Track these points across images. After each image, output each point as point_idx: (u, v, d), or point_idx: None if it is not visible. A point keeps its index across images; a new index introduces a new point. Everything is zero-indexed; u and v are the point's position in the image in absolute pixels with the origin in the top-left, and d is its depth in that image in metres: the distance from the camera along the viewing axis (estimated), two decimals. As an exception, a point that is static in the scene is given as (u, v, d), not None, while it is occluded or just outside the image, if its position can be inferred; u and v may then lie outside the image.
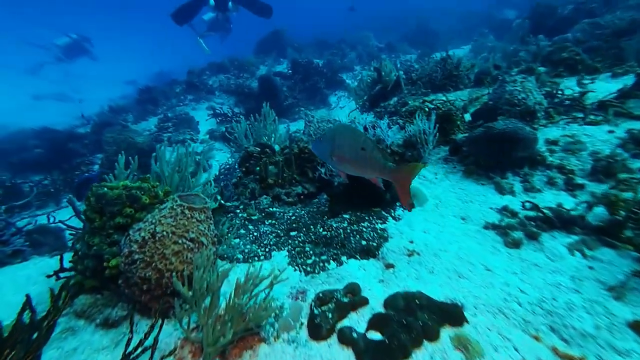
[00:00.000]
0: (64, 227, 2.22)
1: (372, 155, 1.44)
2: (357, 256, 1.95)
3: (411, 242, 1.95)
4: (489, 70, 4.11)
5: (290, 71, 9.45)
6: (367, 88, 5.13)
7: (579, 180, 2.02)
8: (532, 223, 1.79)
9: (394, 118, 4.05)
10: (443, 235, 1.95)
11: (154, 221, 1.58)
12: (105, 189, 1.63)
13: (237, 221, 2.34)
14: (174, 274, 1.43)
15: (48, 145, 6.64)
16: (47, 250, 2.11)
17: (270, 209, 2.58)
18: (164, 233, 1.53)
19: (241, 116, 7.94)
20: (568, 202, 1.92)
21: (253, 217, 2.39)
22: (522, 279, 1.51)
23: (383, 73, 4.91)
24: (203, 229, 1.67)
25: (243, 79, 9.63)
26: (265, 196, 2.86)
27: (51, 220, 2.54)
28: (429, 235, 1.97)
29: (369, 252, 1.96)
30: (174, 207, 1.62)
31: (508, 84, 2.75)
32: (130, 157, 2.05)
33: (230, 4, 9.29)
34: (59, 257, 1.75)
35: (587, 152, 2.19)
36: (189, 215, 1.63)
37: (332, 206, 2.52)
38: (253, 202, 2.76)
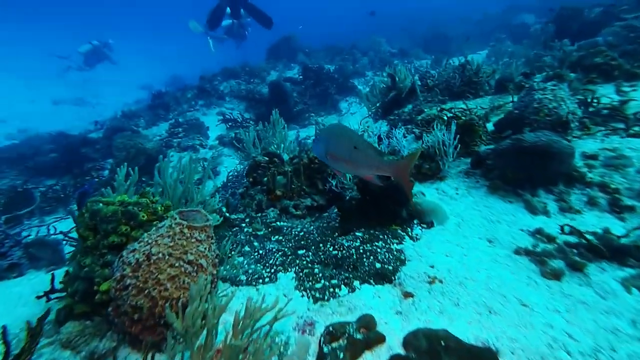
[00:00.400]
0: (64, 239, 2.13)
1: (366, 153, 1.44)
2: (371, 281, 1.77)
3: (432, 266, 1.75)
4: (512, 76, 3.88)
5: (300, 76, 9.38)
6: (380, 95, 4.96)
7: (627, 202, 1.78)
8: (574, 251, 1.57)
9: (409, 127, 3.86)
10: (468, 260, 1.74)
11: (150, 241, 1.44)
12: (101, 204, 1.51)
13: (241, 237, 2.20)
14: (167, 304, 1.28)
15: (62, 150, 6.74)
16: (44, 264, 2.01)
17: (277, 223, 2.43)
18: (160, 255, 1.39)
19: (251, 122, 7.91)
20: (616, 227, 1.69)
21: (259, 233, 2.25)
22: (568, 319, 1.29)
23: (397, 79, 4.73)
24: (203, 249, 1.53)
25: (254, 84, 9.62)
26: (272, 209, 2.71)
27: (52, 231, 2.47)
28: (452, 260, 1.77)
29: (384, 277, 1.78)
30: (173, 225, 1.48)
31: (537, 91, 2.54)
32: (130, 168, 1.94)
33: (242, 11, 9.45)
34: (53, 274, 1.64)
35: (635, 169, 1.95)
36: (188, 235, 1.49)
37: (343, 222, 2.35)
38: (259, 215, 2.62)
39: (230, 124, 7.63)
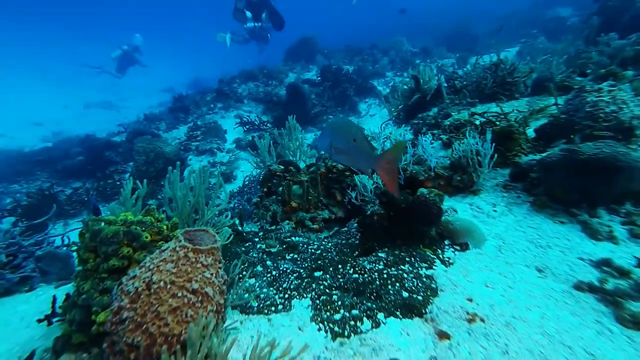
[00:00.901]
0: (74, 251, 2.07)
1: (361, 145, 1.48)
2: (398, 313, 1.55)
3: (470, 299, 1.51)
4: (552, 75, 3.49)
5: (319, 78, 9.23)
6: (402, 97, 4.69)
7: None
8: (656, 292, 1.27)
9: (435, 132, 3.58)
10: (515, 294, 1.48)
11: (151, 267, 1.30)
12: (103, 223, 1.39)
13: (254, 254, 2.04)
14: (165, 344, 1.13)
15: (88, 153, 6.97)
16: (53, 279, 1.95)
17: (293, 238, 2.25)
18: (162, 284, 1.25)
19: (269, 124, 7.84)
20: None
21: (272, 250, 2.08)
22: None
23: (421, 81, 4.45)
24: (209, 276, 1.38)
25: (272, 86, 9.58)
26: (287, 221, 2.55)
27: (65, 241, 2.44)
28: (495, 292, 1.51)
29: (413, 309, 1.55)
30: (177, 249, 1.34)
31: (589, 93, 2.20)
32: (138, 181, 1.83)
33: (263, 15, 9.47)
34: (61, 289, 1.55)
35: None
36: (194, 260, 1.34)
37: (364, 240, 2.13)
38: (274, 227, 2.46)
39: (247, 127, 7.60)
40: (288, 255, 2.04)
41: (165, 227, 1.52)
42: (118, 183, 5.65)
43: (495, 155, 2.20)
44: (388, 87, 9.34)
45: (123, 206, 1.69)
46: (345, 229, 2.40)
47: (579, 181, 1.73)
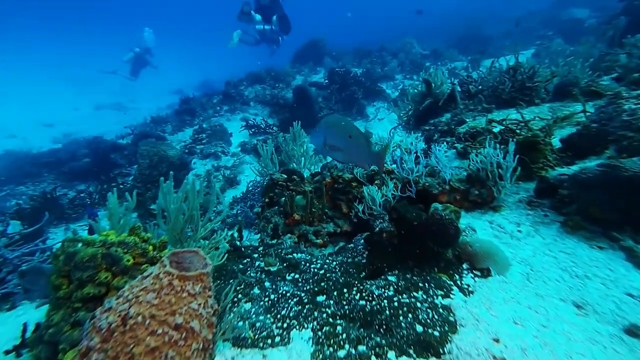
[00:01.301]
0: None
1: (358, 141, 1.56)
2: (411, 352, 1.35)
3: (496, 340, 1.30)
4: (576, 80, 3.25)
5: (326, 81, 9.08)
6: (412, 102, 4.48)
7: None
8: None
9: (449, 139, 3.36)
10: (550, 336, 1.26)
11: (130, 297, 1.14)
12: (80, 244, 1.24)
13: (251, 273, 1.87)
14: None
15: (94, 155, 6.95)
16: (38, 296, 1.82)
17: (294, 255, 2.08)
18: (140, 318, 1.09)
19: (275, 127, 7.71)
20: None
21: (272, 269, 1.90)
22: None
23: (433, 85, 4.24)
24: (196, 307, 1.21)
25: (278, 89, 9.47)
26: (289, 235, 2.37)
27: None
28: (526, 332, 1.30)
29: (428, 347, 1.35)
30: (160, 275, 1.17)
31: (627, 100, 1.97)
32: (127, 193, 1.68)
33: (274, 17, 9.41)
34: (43, 309, 1.41)
35: None
36: (179, 289, 1.17)
37: (373, 259, 1.94)
38: (275, 242, 2.29)
39: (253, 130, 7.49)
40: (289, 275, 1.86)
41: (151, 247, 1.36)
42: (122, 187, 5.58)
43: (519, 169, 1.99)
44: (397, 91, 9.12)
45: (109, 221, 1.54)
46: (352, 245, 2.21)
47: (621, 201, 1.51)
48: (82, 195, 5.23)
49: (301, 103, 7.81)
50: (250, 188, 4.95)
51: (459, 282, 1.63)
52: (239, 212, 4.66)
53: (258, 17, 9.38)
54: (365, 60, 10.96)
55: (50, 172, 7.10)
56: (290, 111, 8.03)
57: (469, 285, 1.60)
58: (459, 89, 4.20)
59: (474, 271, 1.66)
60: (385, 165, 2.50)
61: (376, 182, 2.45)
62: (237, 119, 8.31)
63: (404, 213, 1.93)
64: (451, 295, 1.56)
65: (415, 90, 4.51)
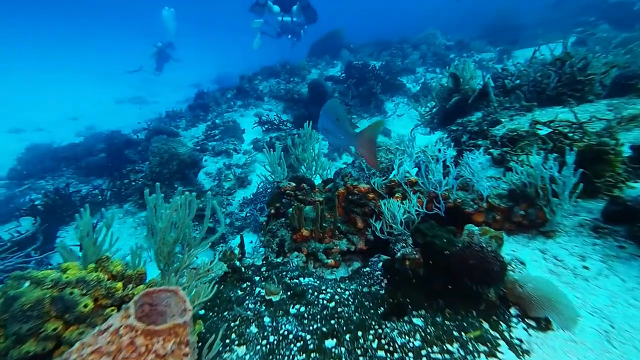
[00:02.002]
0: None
1: (344, 125, 1.61)
2: None
3: None
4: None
5: (343, 74, 8.68)
6: (437, 98, 4.05)
7: None
8: None
9: (480, 142, 2.96)
10: None
11: None
12: (27, 283, 1.02)
13: (249, 304, 1.61)
14: None
15: (109, 151, 6.97)
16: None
17: (301, 280, 1.80)
18: (92, 391, 0.85)
19: (289, 124, 7.44)
20: None
21: (274, 299, 1.64)
22: None
23: (461, 80, 3.79)
24: (170, 369, 0.96)
25: (293, 83, 9.17)
26: (297, 253, 2.10)
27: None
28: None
29: None
30: (120, 331, 0.92)
31: None
32: (104, 209, 1.45)
33: (294, 8, 9.08)
34: None
35: None
36: (143, 349, 0.92)
37: (393, 292, 1.63)
38: (280, 260, 2.02)
39: (266, 126, 7.25)
40: (293, 308, 1.59)
41: (119, 285, 1.11)
42: (134, 184, 5.52)
43: (581, 185, 1.60)
44: (418, 85, 8.57)
45: (81, 243, 1.32)
46: (368, 269, 1.91)
47: None
48: (94, 192, 5.21)
49: (316, 98, 7.48)
50: (261, 189, 4.73)
51: (507, 334, 1.30)
52: (248, 214, 4.46)
53: (276, 8, 9.06)
54: (385, 52, 10.41)
55: (68, 167, 7.20)
56: (305, 107, 7.73)
57: (521, 341, 1.26)
58: (493, 84, 3.73)
59: (526, 320, 1.32)
60: (407, 176, 2.16)
61: (396, 194, 2.12)
62: (250, 115, 8.10)
63: (431, 238, 1.60)
64: (498, 353, 1.23)
65: (439, 85, 4.07)
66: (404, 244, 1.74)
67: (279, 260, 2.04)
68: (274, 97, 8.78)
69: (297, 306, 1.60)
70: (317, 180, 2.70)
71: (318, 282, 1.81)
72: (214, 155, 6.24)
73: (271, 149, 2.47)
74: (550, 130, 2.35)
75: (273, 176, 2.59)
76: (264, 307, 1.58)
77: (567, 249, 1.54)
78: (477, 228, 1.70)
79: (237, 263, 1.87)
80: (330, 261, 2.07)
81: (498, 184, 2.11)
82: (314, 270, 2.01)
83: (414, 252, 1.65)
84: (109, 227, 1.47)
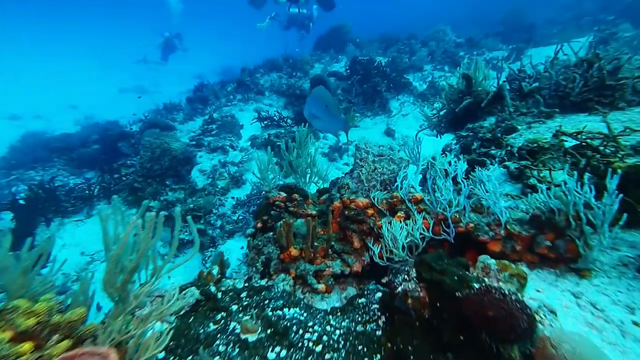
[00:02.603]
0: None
1: (332, 111, 1.92)
2: None
3: None
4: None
5: (347, 70, 8.33)
6: (446, 100, 3.75)
7: None
8: None
9: (493, 151, 2.68)
10: None
11: None
12: None
13: (220, 346, 1.36)
14: None
15: (103, 143, 6.73)
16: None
17: (285, 311, 1.55)
18: None
19: (289, 120, 7.14)
20: None
21: (250, 338, 1.39)
22: None
23: (474, 81, 3.48)
24: None
25: (295, 78, 8.84)
26: (284, 275, 1.85)
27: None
28: None
29: None
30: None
31: None
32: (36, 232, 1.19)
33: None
34: None
35: None
36: None
37: (392, 334, 1.38)
38: (265, 283, 1.77)
39: (266, 122, 6.96)
40: (272, 352, 1.34)
41: (25, 348, 0.85)
42: (124, 179, 5.28)
43: (625, 216, 1.32)
44: (425, 83, 8.23)
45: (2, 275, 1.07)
46: (363, 300, 1.65)
47: None
48: (81, 186, 4.98)
49: (318, 94, 7.16)
50: (255, 191, 4.47)
51: (528, 405, 1.04)
52: (240, 217, 4.21)
53: None
54: (392, 48, 10.03)
55: (60, 158, 6.97)
56: (307, 103, 7.41)
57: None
58: (508, 87, 3.42)
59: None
60: (411, 192, 1.89)
61: (399, 212, 1.85)
62: (250, 110, 7.81)
63: (440, 275, 1.33)
64: None
65: (449, 86, 3.76)
66: (406, 276, 1.48)
67: (263, 283, 1.79)
68: (275, 92, 8.47)
69: (277, 349, 1.35)
70: (313, 188, 2.43)
71: (305, 314, 1.56)
72: (210, 151, 5.98)
73: (269, 147, 2.20)
74: (577, 142, 2.06)
75: (263, 182, 2.32)
76: (237, 350, 1.33)
77: (609, 294, 1.27)
78: (494, 261, 1.43)
79: (212, 289, 1.62)
80: (322, 286, 1.82)
81: (516, 204, 1.83)
82: (302, 297, 1.76)
83: (418, 289, 1.39)
84: (49, 249, 1.22)
